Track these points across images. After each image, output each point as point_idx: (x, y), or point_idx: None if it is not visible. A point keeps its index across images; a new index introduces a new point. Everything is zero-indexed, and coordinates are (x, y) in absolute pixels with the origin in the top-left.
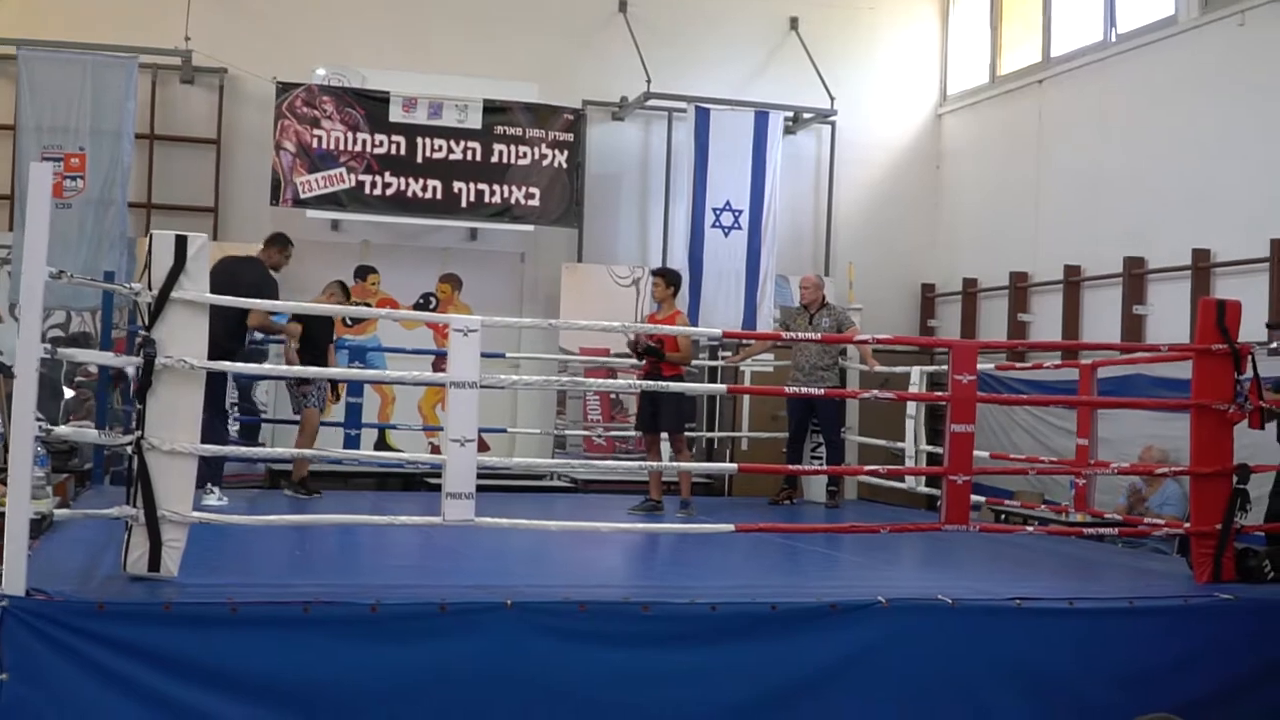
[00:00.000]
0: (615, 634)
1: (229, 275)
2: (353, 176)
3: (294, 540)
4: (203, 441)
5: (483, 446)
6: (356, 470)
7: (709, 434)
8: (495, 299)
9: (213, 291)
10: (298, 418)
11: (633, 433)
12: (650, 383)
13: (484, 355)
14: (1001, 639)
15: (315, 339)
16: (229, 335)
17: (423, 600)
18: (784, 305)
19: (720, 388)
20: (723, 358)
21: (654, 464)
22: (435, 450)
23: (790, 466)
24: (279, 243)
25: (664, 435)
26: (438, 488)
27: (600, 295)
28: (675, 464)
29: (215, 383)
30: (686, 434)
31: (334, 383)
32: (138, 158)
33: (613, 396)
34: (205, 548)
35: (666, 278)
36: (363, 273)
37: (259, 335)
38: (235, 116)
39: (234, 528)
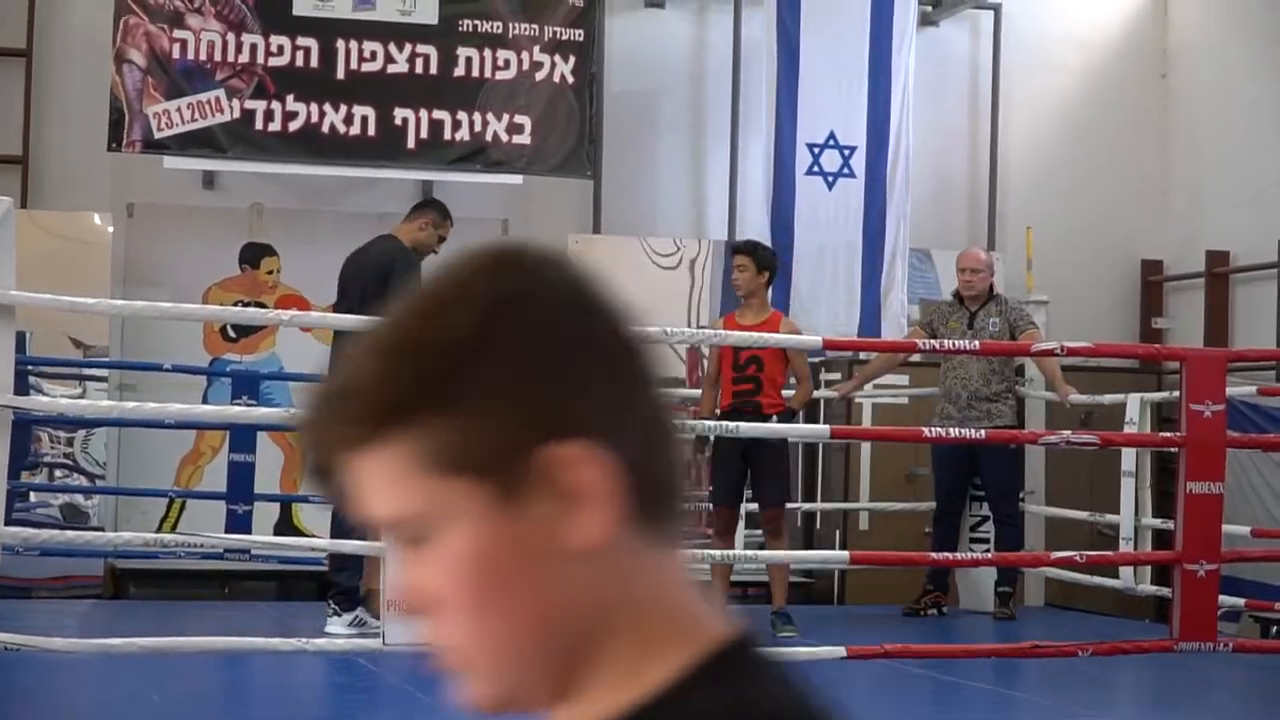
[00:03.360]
0: None
1: (356, 267)
2: (236, 103)
3: (147, 678)
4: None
5: None
6: (245, 568)
7: (805, 505)
8: None
9: (342, 298)
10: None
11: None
12: (739, 423)
13: None
14: None
15: None
16: None
17: None
18: (925, 298)
19: (822, 430)
20: (826, 383)
21: (723, 554)
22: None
23: (937, 555)
24: (430, 212)
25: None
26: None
27: (630, 285)
28: (770, 554)
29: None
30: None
31: None
32: None
33: None
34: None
35: (756, 256)
36: (253, 256)
37: None
38: (54, 13)
39: (49, 659)
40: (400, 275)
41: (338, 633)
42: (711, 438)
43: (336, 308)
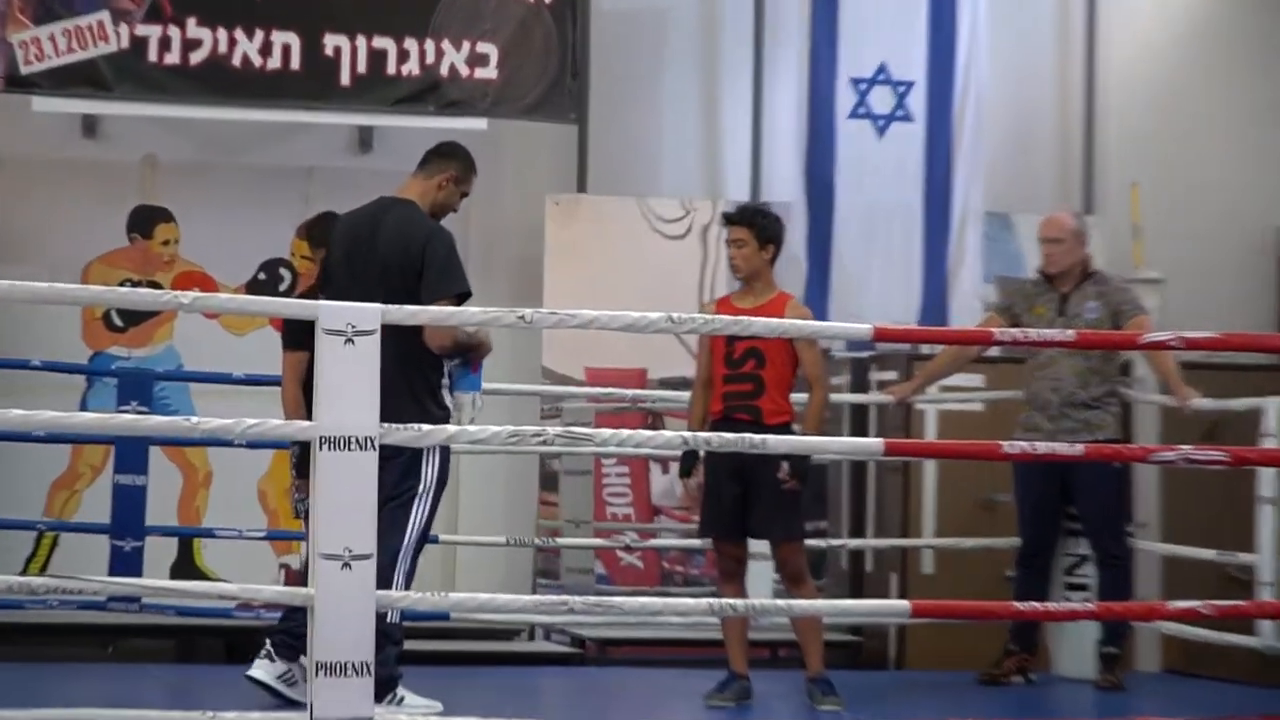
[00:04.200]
0: None
1: (364, 245)
2: (124, 29)
3: None
4: None
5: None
6: (134, 621)
7: (852, 542)
8: None
9: (336, 284)
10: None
11: (696, 542)
12: (737, 435)
13: None
14: None
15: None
16: (409, 376)
17: None
18: (1003, 276)
19: (874, 445)
20: (879, 385)
21: (738, 603)
22: (293, 578)
23: (1022, 606)
24: (451, 164)
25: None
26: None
27: (626, 259)
28: (790, 604)
29: None
30: (807, 542)
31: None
32: None
33: (655, 467)
34: None
35: (756, 227)
36: (144, 222)
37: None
38: None
39: None
40: (437, 257)
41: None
42: (702, 454)
43: (328, 295)
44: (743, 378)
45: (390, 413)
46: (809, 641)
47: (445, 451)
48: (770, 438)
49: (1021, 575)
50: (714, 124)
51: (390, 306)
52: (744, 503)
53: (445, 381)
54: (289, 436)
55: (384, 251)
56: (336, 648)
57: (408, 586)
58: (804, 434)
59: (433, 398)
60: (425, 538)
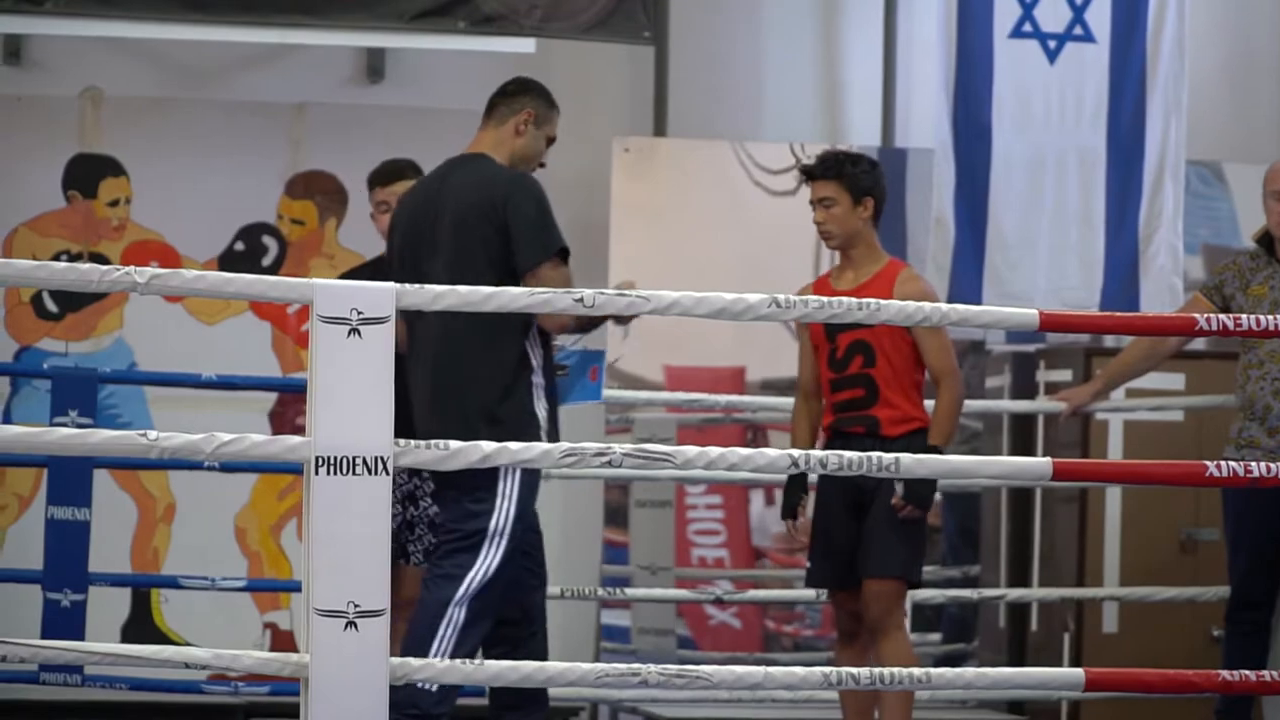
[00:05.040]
0: None
1: (426, 224)
2: None
3: None
4: None
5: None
6: (75, 698)
7: (1013, 592)
8: None
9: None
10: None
11: (809, 593)
12: (863, 455)
13: None
14: None
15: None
16: (481, 375)
17: None
18: (1213, 244)
19: (1040, 467)
20: (1047, 389)
21: (862, 671)
22: (279, 642)
23: (1232, 675)
24: (529, 99)
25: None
26: None
27: (719, 221)
28: (936, 673)
29: None
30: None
31: None
32: None
33: (756, 496)
34: None
35: (843, 175)
36: (86, 176)
37: (564, 342)
38: None
39: None
40: (524, 213)
41: None
42: (811, 483)
43: (398, 278)
44: (850, 381)
45: (450, 424)
46: (895, 710)
47: (530, 478)
48: (904, 457)
49: (1232, 634)
50: (834, 47)
51: (409, 287)
52: (861, 542)
53: (539, 381)
54: (277, 457)
55: (453, 223)
56: None
57: (467, 655)
58: (931, 449)
59: (515, 404)
60: (502, 595)
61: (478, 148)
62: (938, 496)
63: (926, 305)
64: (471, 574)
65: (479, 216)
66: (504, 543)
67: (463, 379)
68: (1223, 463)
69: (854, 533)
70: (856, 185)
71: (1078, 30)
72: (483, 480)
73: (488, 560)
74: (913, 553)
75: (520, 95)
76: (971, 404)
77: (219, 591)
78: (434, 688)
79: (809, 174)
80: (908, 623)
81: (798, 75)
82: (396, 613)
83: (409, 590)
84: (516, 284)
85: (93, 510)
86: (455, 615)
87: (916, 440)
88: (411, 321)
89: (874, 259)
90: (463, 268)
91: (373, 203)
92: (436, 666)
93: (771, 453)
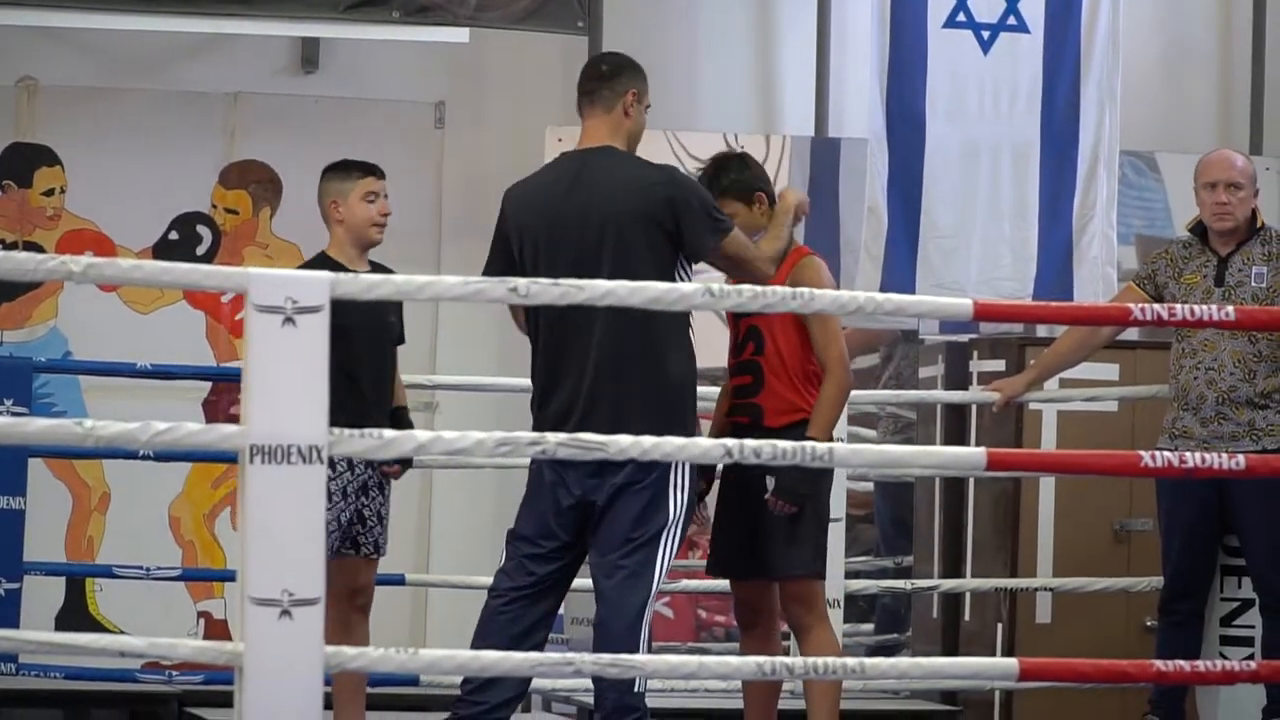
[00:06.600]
0: None
1: (568, 223)
2: None
3: None
4: None
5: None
6: (10, 687)
7: (945, 583)
8: None
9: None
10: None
11: (723, 583)
12: (738, 442)
13: None
14: None
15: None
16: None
17: None
18: (1146, 234)
19: (973, 457)
20: (980, 379)
21: (796, 661)
22: (213, 631)
23: (1165, 666)
24: (622, 77)
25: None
26: None
27: None
28: (870, 663)
29: None
30: (887, 584)
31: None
32: None
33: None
34: None
35: (728, 192)
36: (20, 166)
37: None
38: None
39: None
40: (688, 203)
41: None
42: (720, 469)
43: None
44: (741, 367)
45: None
46: (819, 708)
47: (695, 471)
48: (839, 447)
49: (1166, 625)
50: (768, 37)
51: (344, 276)
52: (756, 534)
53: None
54: (211, 445)
55: (615, 231)
56: (265, 713)
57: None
58: (809, 438)
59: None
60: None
61: (596, 139)
62: (869, 487)
63: (860, 294)
64: (656, 573)
65: (646, 224)
66: (676, 535)
67: (639, 386)
68: (1157, 453)
69: (749, 526)
70: (741, 190)
71: (1011, 20)
72: (659, 479)
73: (665, 555)
74: (814, 547)
75: (618, 76)
76: (904, 394)
77: (153, 580)
78: (643, 685)
79: (709, 169)
80: (839, 614)
81: (731, 65)
82: (347, 602)
83: (361, 580)
84: (673, 278)
85: (28, 499)
86: (648, 620)
87: (797, 432)
88: (552, 322)
89: (785, 235)
90: (627, 275)
91: (358, 192)
92: (371, 655)
93: (705, 442)
